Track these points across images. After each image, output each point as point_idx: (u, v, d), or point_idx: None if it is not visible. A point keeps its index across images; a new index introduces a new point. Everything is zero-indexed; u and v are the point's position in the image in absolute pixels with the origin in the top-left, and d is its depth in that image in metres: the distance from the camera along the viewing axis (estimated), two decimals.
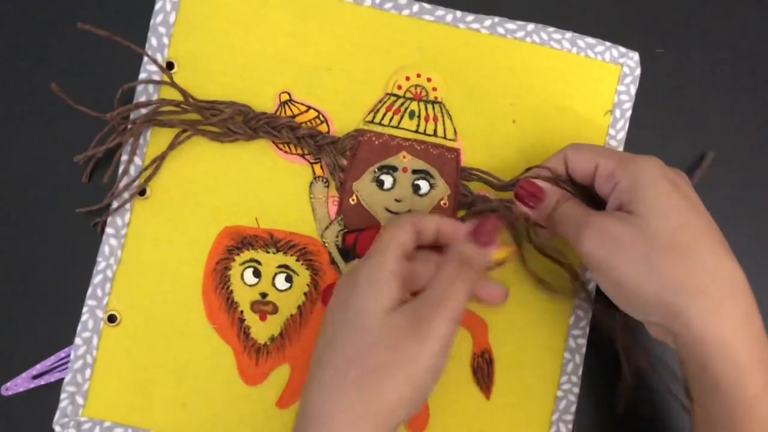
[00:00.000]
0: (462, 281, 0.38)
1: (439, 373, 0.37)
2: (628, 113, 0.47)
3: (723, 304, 0.36)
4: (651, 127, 0.48)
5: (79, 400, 0.44)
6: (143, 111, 0.45)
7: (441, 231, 0.41)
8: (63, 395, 0.44)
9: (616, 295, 0.39)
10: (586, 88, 0.47)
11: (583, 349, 0.46)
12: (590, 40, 0.47)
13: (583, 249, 0.38)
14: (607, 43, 0.47)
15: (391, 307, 0.37)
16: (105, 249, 0.45)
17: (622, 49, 0.47)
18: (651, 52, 0.48)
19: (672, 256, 0.36)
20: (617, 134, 0.47)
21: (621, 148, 0.47)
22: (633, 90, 0.47)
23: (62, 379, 0.44)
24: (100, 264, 0.45)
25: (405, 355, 0.36)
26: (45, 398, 0.44)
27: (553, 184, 0.42)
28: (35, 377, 0.44)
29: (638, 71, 0.47)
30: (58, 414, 0.44)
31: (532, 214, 0.43)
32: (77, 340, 0.44)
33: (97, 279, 0.44)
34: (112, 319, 0.44)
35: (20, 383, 0.44)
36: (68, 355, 0.44)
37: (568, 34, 0.47)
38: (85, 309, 0.44)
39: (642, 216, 0.37)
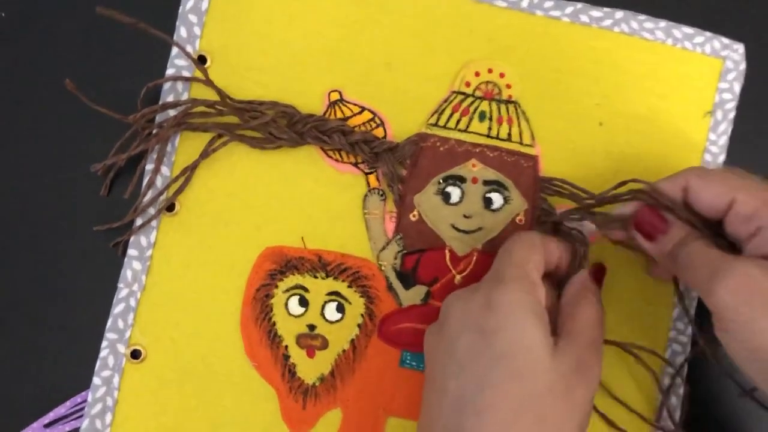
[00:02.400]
0: (603, 318, 0.35)
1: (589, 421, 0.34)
2: (732, 114, 0.41)
3: None
4: (759, 131, 0.41)
5: None
6: (171, 113, 0.38)
7: (559, 264, 0.37)
8: None
9: (750, 362, 0.32)
10: (683, 85, 0.41)
11: (681, 390, 0.40)
12: (688, 29, 0.41)
13: (718, 300, 0.31)
14: (708, 34, 0.41)
15: (553, 346, 0.32)
16: (127, 274, 0.38)
17: (725, 40, 0.41)
18: (758, 40, 0.41)
19: None
20: (719, 139, 0.41)
21: (723, 156, 0.41)
22: (737, 87, 0.41)
23: (78, 429, 0.38)
24: (122, 291, 0.38)
25: (576, 403, 0.32)
26: None
27: (674, 215, 0.35)
28: (48, 425, 0.38)
29: (743, 66, 0.41)
30: None
31: (650, 249, 0.36)
32: (96, 380, 0.38)
33: (117, 309, 0.38)
34: (135, 355, 0.38)
35: None
36: (84, 401, 0.38)
37: (663, 23, 0.41)
38: (104, 344, 0.38)
39: None
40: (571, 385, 0.32)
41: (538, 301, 0.33)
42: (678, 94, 0.41)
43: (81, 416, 0.38)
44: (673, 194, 0.35)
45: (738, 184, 0.33)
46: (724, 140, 0.41)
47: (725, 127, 0.41)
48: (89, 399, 0.38)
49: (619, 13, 0.41)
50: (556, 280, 0.37)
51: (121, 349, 0.38)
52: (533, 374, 0.31)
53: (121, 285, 0.38)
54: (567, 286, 0.36)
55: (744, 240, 0.33)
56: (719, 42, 0.41)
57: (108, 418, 0.38)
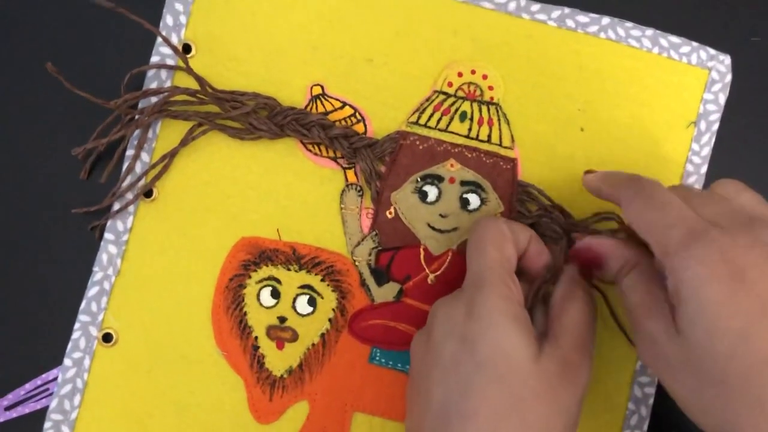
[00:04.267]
0: (594, 320, 0.34)
1: (577, 423, 0.33)
2: (716, 126, 0.41)
3: None
4: (743, 143, 0.41)
5: (66, 430, 0.38)
6: (153, 100, 0.39)
7: (528, 251, 0.36)
8: (47, 424, 0.38)
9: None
10: (668, 94, 0.40)
11: (651, 400, 0.39)
12: (674, 39, 0.41)
13: (638, 352, 0.33)
14: (694, 44, 0.41)
15: (536, 350, 0.32)
16: (103, 257, 0.39)
17: (712, 51, 0.41)
18: (745, 52, 0.41)
19: (722, 392, 0.28)
20: (701, 150, 0.40)
21: (705, 167, 0.41)
22: (722, 99, 0.41)
23: (39, 410, 0.38)
24: (97, 274, 0.39)
25: (562, 406, 0.31)
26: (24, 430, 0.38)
27: (625, 241, 0.35)
28: (8, 409, 0.38)
29: (729, 77, 0.41)
30: None
31: (596, 278, 0.36)
32: (66, 361, 0.38)
33: (92, 291, 0.39)
34: (107, 338, 0.39)
35: None
36: (45, 383, 0.38)
37: (650, 31, 0.40)
38: (77, 326, 0.38)
39: (685, 338, 0.29)
40: (557, 388, 0.31)
41: (518, 303, 0.33)
42: (662, 103, 0.40)
43: (43, 398, 0.38)
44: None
45: (650, 228, 0.32)
46: (706, 151, 0.41)
47: (708, 138, 0.41)
48: (59, 379, 0.38)
49: (606, 20, 0.40)
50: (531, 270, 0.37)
51: (94, 331, 0.39)
52: (515, 379, 0.31)
53: (96, 268, 0.39)
54: (557, 285, 0.35)
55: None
56: (706, 52, 0.41)
57: (77, 399, 0.38)
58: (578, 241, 0.36)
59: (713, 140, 0.41)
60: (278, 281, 0.39)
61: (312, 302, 0.39)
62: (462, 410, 0.31)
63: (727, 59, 0.41)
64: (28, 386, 0.38)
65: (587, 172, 0.37)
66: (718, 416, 0.29)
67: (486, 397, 0.31)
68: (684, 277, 0.29)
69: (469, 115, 0.40)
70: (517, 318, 0.32)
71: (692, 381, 0.29)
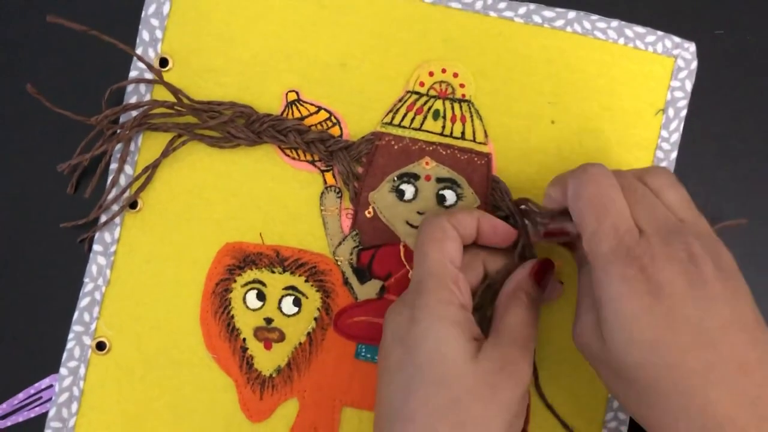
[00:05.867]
0: (536, 320, 0.36)
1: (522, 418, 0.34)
2: (683, 112, 0.42)
3: None
4: (710, 128, 0.42)
5: None
6: (134, 113, 0.40)
7: (482, 231, 0.37)
8: None
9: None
10: (635, 83, 0.41)
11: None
12: (639, 29, 0.41)
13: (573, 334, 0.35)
14: (659, 33, 0.42)
15: (474, 350, 0.33)
16: (92, 268, 0.40)
17: (677, 39, 0.42)
18: (709, 36, 0.42)
19: (634, 391, 0.32)
20: (671, 136, 0.41)
21: (675, 153, 0.41)
22: (689, 86, 0.42)
23: (33, 419, 0.39)
24: (88, 285, 0.40)
25: (501, 404, 0.32)
26: None
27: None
28: (2, 418, 0.39)
29: (695, 64, 0.42)
30: None
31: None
32: (62, 371, 0.40)
33: (84, 302, 0.40)
34: (101, 346, 0.40)
35: None
36: (39, 391, 0.39)
37: (615, 23, 0.41)
38: (71, 335, 0.40)
39: (604, 341, 0.32)
40: (496, 386, 0.32)
41: (457, 305, 0.34)
42: (630, 92, 0.41)
43: (37, 407, 0.39)
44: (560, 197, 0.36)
45: (577, 214, 0.34)
46: (675, 137, 0.42)
47: (677, 125, 0.42)
48: (56, 388, 0.39)
49: (572, 14, 0.41)
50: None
51: (87, 341, 0.40)
52: (451, 380, 0.32)
53: (86, 279, 0.40)
54: (504, 285, 0.37)
55: None
56: (671, 41, 0.42)
57: (74, 407, 0.39)
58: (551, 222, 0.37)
59: (682, 126, 0.42)
60: (263, 284, 0.40)
61: (297, 303, 0.40)
62: (403, 413, 0.32)
63: (692, 47, 0.42)
64: (21, 395, 0.40)
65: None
66: (632, 408, 0.32)
67: (424, 399, 0.32)
68: (607, 289, 0.31)
69: (442, 113, 0.41)
70: (455, 321, 0.33)
71: (610, 375, 0.33)
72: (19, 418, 0.39)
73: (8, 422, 0.39)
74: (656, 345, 0.30)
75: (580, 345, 0.34)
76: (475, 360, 0.32)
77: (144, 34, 0.40)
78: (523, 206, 0.39)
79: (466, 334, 0.33)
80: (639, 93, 0.41)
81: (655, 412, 0.31)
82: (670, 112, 0.41)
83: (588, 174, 0.34)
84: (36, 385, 0.40)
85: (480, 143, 0.41)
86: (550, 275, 0.37)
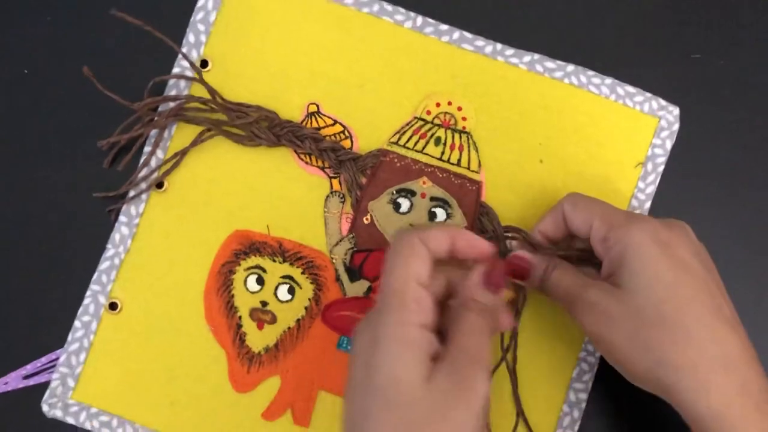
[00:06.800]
0: (488, 330, 0.35)
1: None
2: (661, 168, 0.46)
3: (712, 380, 0.35)
4: (684, 185, 0.46)
5: (70, 382, 0.44)
6: (171, 105, 0.45)
7: (458, 247, 0.37)
8: (55, 375, 0.44)
9: (616, 366, 0.39)
10: (620, 136, 0.46)
11: (584, 405, 0.44)
12: (630, 88, 0.46)
13: (579, 322, 0.38)
14: (648, 94, 0.46)
15: (429, 371, 0.33)
16: (116, 236, 0.45)
17: (663, 102, 0.46)
18: (693, 106, 0.46)
19: (658, 332, 0.36)
20: (646, 188, 0.46)
21: (649, 203, 0.46)
22: (669, 145, 0.46)
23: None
24: (109, 251, 0.45)
25: (455, 422, 0.32)
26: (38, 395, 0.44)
27: (542, 252, 0.42)
28: (26, 377, 0.44)
29: (676, 126, 0.46)
30: (47, 393, 0.44)
31: (527, 286, 0.42)
32: (76, 323, 0.44)
33: (103, 265, 0.45)
34: (113, 306, 0.45)
35: (10, 382, 0.44)
36: (58, 358, 0.44)
37: (609, 80, 0.46)
38: (88, 293, 0.45)
39: (627, 291, 0.37)
40: (450, 404, 0.32)
41: (416, 325, 0.34)
42: (615, 143, 0.46)
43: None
44: (556, 220, 0.41)
45: (597, 211, 0.39)
46: (651, 189, 0.46)
47: (653, 179, 0.46)
48: (69, 338, 0.44)
49: (571, 67, 0.46)
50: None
51: (102, 300, 0.45)
52: (405, 403, 0.32)
53: (109, 245, 0.45)
54: (460, 290, 0.37)
55: (603, 258, 0.39)
56: (657, 103, 0.46)
57: (82, 356, 0.44)
58: (513, 254, 0.41)
59: (658, 180, 0.46)
60: (264, 270, 0.45)
61: (291, 291, 0.45)
62: None
63: (675, 110, 0.46)
64: (44, 359, 0.44)
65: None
66: (656, 353, 0.35)
67: (380, 422, 0.32)
68: (629, 242, 0.37)
69: (443, 141, 0.45)
70: (411, 342, 0.33)
71: (631, 326, 0.36)
72: (41, 379, 0.44)
73: (31, 381, 0.44)
74: (676, 283, 0.36)
75: (594, 322, 0.37)
76: (429, 381, 0.33)
77: (190, 37, 0.46)
78: (510, 234, 0.44)
79: (421, 356, 0.33)
80: (622, 145, 0.46)
81: (681, 344, 0.35)
82: (649, 166, 0.46)
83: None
84: (58, 351, 0.44)
85: (473, 171, 0.45)
86: (500, 274, 0.37)
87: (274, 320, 0.45)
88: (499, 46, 0.46)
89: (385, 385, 0.33)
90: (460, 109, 0.46)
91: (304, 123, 0.45)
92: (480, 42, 0.46)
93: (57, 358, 0.44)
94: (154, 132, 0.45)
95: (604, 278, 0.39)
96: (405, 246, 0.36)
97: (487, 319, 0.36)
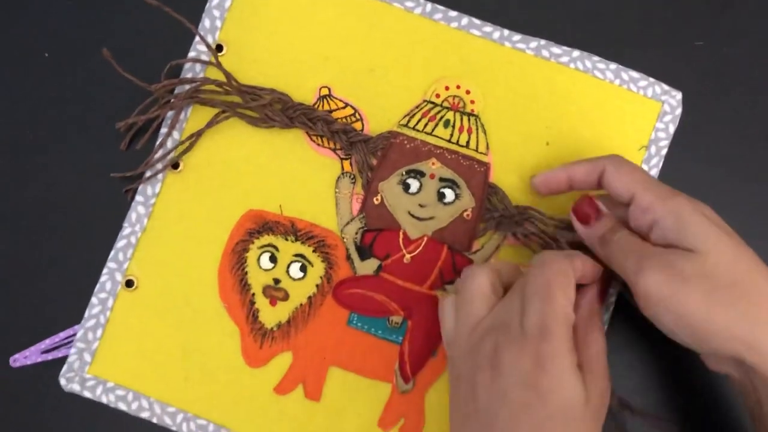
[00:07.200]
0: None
1: None
2: (664, 151, 0.47)
3: None
4: (686, 169, 0.47)
5: (87, 357, 0.45)
6: (187, 87, 0.46)
7: (586, 274, 0.40)
8: (72, 350, 0.45)
9: (680, 328, 0.38)
10: (624, 120, 0.47)
11: None
12: (634, 74, 0.47)
13: (645, 282, 0.38)
14: (651, 79, 0.47)
15: (586, 391, 0.36)
16: (132, 215, 0.46)
17: (666, 87, 0.47)
18: (696, 91, 0.48)
19: (735, 290, 0.37)
20: (650, 170, 0.47)
21: None
22: (672, 129, 0.47)
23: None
24: (126, 230, 0.46)
25: (600, 425, 0.37)
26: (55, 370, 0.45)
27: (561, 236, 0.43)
28: (44, 352, 0.45)
29: (679, 110, 0.47)
30: (65, 367, 0.45)
31: (584, 233, 0.42)
32: (93, 300, 0.45)
33: (120, 243, 0.46)
34: (129, 283, 0.46)
35: (29, 356, 0.45)
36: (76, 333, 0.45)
37: (613, 65, 0.47)
38: (105, 270, 0.46)
39: (699, 254, 0.37)
40: (600, 418, 0.37)
41: (574, 351, 0.37)
42: (619, 127, 0.47)
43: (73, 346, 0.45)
44: (590, 174, 0.42)
45: (640, 180, 0.40)
46: (654, 172, 0.47)
47: (656, 161, 0.47)
48: (86, 314, 0.45)
49: (576, 53, 0.47)
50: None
51: (118, 277, 0.46)
52: (577, 423, 0.35)
53: (125, 224, 0.46)
54: (578, 309, 0.39)
55: (641, 227, 0.40)
56: (660, 88, 0.47)
57: (99, 332, 0.45)
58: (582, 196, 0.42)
59: (661, 163, 0.47)
60: (276, 249, 0.46)
61: (303, 269, 0.46)
62: None
63: (678, 95, 0.47)
64: (62, 334, 0.46)
65: (534, 176, 0.44)
66: (736, 310, 0.36)
67: None
68: (682, 211, 0.38)
69: (451, 123, 0.47)
70: (578, 368, 0.36)
71: (708, 285, 0.37)
72: (58, 354, 0.45)
73: (49, 356, 0.45)
74: (738, 248, 0.37)
75: (666, 283, 0.37)
76: (588, 400, 0.36)
77: (206, 22, 0.47)
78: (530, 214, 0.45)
79: (581, 377, 0.36)
80: (626, 129, 0.47)
81: (756, 306, 0.36)
82: (652, 149, 0.47)
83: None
84: (76, 327, 0.45)
85: (482, 153, 0.47)
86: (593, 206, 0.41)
87: (286, 297, 0.46)
88: (506, 32, 0.47)
89: (561, 411, 0.35)
90: (468, 92, 0.47)
91: (316, 106, 0.47)
92: (488, 28, 0.47)
93: (74, 334, 0.45)
94: (170, 114, 0.46)
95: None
96: (561, 274, 0.38)
97: (604, 333, 0.39)
